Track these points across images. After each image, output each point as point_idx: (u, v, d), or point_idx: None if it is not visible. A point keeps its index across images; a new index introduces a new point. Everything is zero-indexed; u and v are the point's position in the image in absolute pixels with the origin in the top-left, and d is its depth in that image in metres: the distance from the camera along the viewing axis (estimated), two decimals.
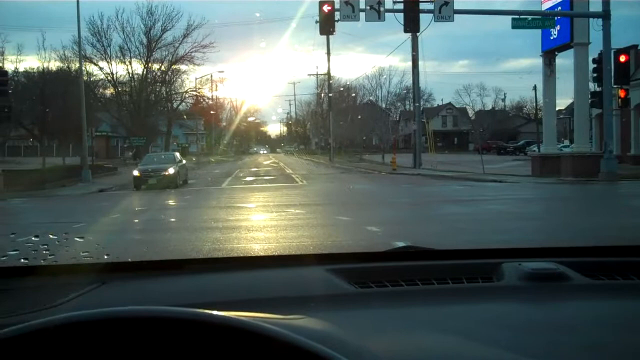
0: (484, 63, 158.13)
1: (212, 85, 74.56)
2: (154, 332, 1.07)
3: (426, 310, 1.88)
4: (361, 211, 17.02)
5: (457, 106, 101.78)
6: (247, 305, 1.65)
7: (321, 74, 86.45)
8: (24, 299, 1.90)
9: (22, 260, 2.44)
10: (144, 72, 64.50)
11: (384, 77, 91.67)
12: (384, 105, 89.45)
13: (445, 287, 2.03)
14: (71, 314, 1.07)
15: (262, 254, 10.03)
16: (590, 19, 28.71)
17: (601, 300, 1.96)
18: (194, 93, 70.66)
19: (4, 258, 2.53)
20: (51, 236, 2.67)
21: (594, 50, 28.64)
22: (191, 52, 64.09)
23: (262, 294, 1.93)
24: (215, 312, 1.09)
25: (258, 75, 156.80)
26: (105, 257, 2.48)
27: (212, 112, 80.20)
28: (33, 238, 2.62)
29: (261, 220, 15.81)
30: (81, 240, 2.76)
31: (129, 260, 2.30)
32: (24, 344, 1.04)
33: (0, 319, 1.70)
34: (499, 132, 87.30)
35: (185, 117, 77.16)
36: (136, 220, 16.93)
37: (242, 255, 9.74)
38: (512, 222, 14.14)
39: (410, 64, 41.52)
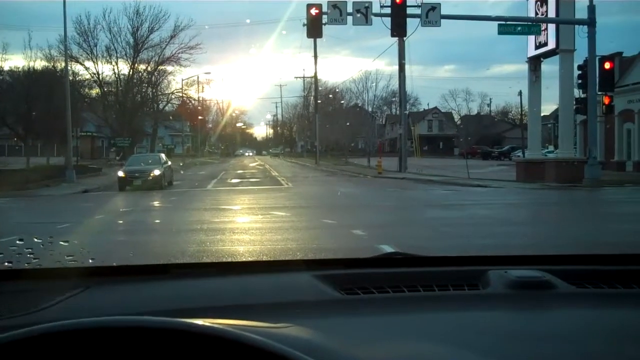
0: (470, 68, 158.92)
1: (198, 86, 74.39)
2: (138, 342, 1.06)
3: (412, 317, 1.88)
4: (346, 214, 17.05)
5: (443, 111, 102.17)
6: (233, 311, 1.64)
7: (308, 77, 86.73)
8: (8, 302, 1.88)
9: (6, 264, 2.41)
10: (130, 73, 64.26)
11: (371, 81, 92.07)
12: (370, 109, 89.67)
13: (432, 294, 2.03)
14: (53, 324, 1.06)
15: (247, 256, 10.01)
16: (576, 26, 28.91)
17: (587, 309, 1.97)
18: (180, 94, 70.49)
19: None
20: (35, 239, 2.64)
21: (580, 57, 28.92)
22: (178, 53, 64.03)
23: (249, 300, 1.92)
24: (198, 321, 1.09)
25: (245, 77, 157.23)
26: (90, 261, 2.46)
27: (198, 114, 79.98)
28: (17, 241, 2.59)
29: (246, 222, 15.78)
30: (66, 244, 2.73)
31: (114, 264, 2.29)
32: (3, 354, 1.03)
33: None
34: (485, 137, 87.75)
35: (171, 118, 76.87)
36: (120, 222, 16.85)
37: (227, 258, 9.72)
38: (497, 227, 14.22)
39: (396, 67, 41.69)
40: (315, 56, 67.03)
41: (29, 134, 47.26)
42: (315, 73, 70.57)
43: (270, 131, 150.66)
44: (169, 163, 33.94)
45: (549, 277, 2.08)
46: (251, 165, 66.24)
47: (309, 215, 17.10)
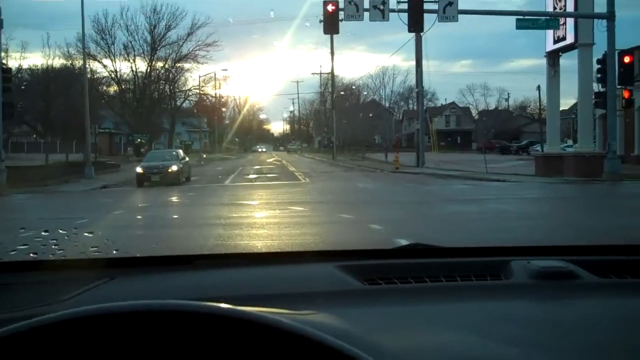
0: (487, 63, 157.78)
1: (215, 83, 74.61)
2: (174, 326, 1.07)
3: (435, 307, 1.88)
4: (364, 209, 17.02)
5: (460, 106, 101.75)
6: (256, 300, 1.65)
7: (325, 73, 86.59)
8: (34, 293, 1.90)
9: (31, 255, 2.44)
10: (148, 70, 64.65)
11: (388, 76, 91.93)
12: (387, 105, 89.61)
13: (454, 285, 2.03)
14: (88, 307, 1.07)
15: (265, 251, 10.04)
16: (595, 20, 28.66)
17: (611, 299, 1.95)
18: (198, 91, 70.68)
19: (14, 252, 2.54)
20: (60, 231, 2.67)
21: (599, 51, 28.65)
22: (195, 51, 64.32)
23: (271, 289, 1.93)
24: (233, 307, 1.09)
25: (261, 73, 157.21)
26: (114, 252, 2.48)
27: (215, 110, 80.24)
28: (43, 233, 2.62)
29: (264, 217, 15.82)
30: (90, 235, 2.76)
31: (138, 255, 2.30)
32: (35, 338, 1.04)
33: (9, 312, 1.70)
34: (503, 131, 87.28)
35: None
36: (139, 217, 16.94)
37: (245, 251, 9.75)
38: (516, 221, 14.13)
39: (413, 63, 41.57)
40: (332, 52, 67.03)
41: (48, 131, 47.64)
42: (332, 69, 70.52)
43: (287, 127, 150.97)
44: (187, 159, 34.07)
45: (572, 268, 2.06)
46: (268, 160, 66.31)
47: (326, 210, 17.09)
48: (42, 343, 1.04)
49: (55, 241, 2.58)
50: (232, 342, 1.06)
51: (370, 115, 74.62)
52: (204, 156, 61.96)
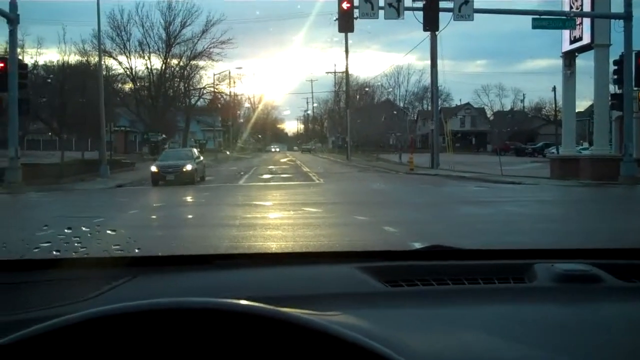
0: (502, 63, 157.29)
1: (230, 81, 74.80)
2: (211, 324, 1.07)
3: (458, 309, 1.87)
4: (378, 211, 16.98)
5: (475, 106, 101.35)
6: (277, 301, 1.64)
7: (339, 72, 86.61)
8: (57, 291, 1.91)
9: (54, 253, 2.45)
10: (163, 68, 64.92)
11: (402, 76, 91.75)
12: (402, 105, 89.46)
13: (477, 287, 2.02)
14: (127, 304, 1.08)
15: (280, 252, 10.04)
16: (612, 20, 28.48)
17: (635, 302, 1.94)
18: (212, 89, 70.91)
19: (36, 250, 2.55)
20: (83, 228, 2.68)
21: (615, 52, 28.45)
22: (210, 48, 64.48)
23: (292, 290, 1.93)
24: (271, 307, 1.10)
25: (276, 72, 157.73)
26: (137, 250, 2.49)
27: (230, 108, 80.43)
28: (65, 230, 2.63)
29: (278, 218, 15.83)
30: (113, 233, 2.77)
31: (159, 254, 2.31)
32: (75, 333, 1.05)
33: (35, 311, 1.71)
34: (518, 133, 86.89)
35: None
36: (154, 217, 17.03)
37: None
38: (533, 224, 14.04)
39: (427, 62, 41.48)
40: (347, 51, 67.10)
41: (64, 128, 47.92)
42: (347, 68, 70.52)
43: (302, 126, 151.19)
44: (201, 158, 34.17)
45: (595, 271, 2.05)
46: (282, 160, 66.39)
47: (341, 212, 17.08)
48: (71, 341, 1.04)
49: (78, 239, 2.59)
50: (268, 342, 1.06)
51: (384, 117, 74.54)
52: (228, 153, 61.84)
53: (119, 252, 2.51)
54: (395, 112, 74.00)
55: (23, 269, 2.10)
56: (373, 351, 1.03)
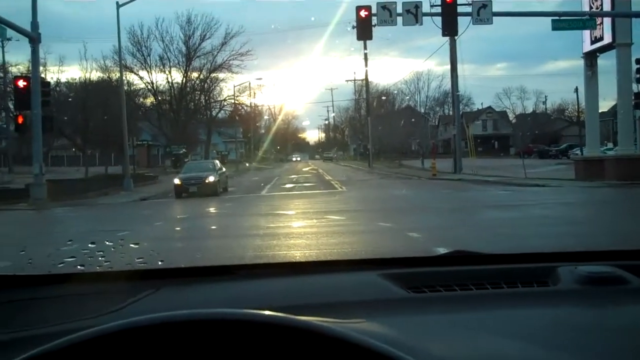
0: (523, 65, 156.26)
1: (250, 92, 75.14)
2: (238, 336, 1.08)
3: (482, 314, 1.85)
4: (402, 217, 16.93)
5: (497, 110, 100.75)
6: (300, 310, 1.65)
7: (358, 80, 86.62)
8: (82, 305, 1.93)
9: (79, 267, 2.48)
10: (183, 81, 65.43)
11: (422, 81, 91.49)
12: (422, 110, 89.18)
13: (500, 292, 2.01)
14: (160, 315, 1.09)
15: (302, 261, 10.05)
16: (633, 19, 28.19)
17: None
18: (233, 101, 71.26)
19: (61, 265, 2.58)
20: (107, 242, 2.70)
21: (638, 51, 28.18)
22: (229, 60, 64.83)
23: (316, 299, 1.93)
24: (295, 317, 1.10)
25: (295, 82, 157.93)
26: (160, 263, 2.51)
27: (251, 119, 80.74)
28: (89, 245, 2.66)
29: (301, 227, 15.83)
30: (136, 246, 2.80)
31: (182, 266, 2.32)
32: (109, 343, 1.06)
33: (60, 325, 1.73)
34: (541, 135, 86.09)
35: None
36: (178, 228, 17.11)
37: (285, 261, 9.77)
38: (558, 227, 13.89)
39: (447, 67, 41.35)
40: (366, 58, 67.13)
41: (87, 144, 48.45)
42: (366, 75, 70.53)
43: (322, 135, 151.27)
44: (224, 169, 34.31)
45: (620, 272, 2.03)
46: (304, 169, 66.43)
47: (364, 219, 17.06)
48: (105, 352, 1.06)
49: (101, 253, 2.62)
50: (292, 351, 1.06)
51: (406, 121, 74.30)
52: (247, 165, 61.88)
53: (143, 264, 2.54)
54: (412, 120, 73.67)
55: (49, 284, 2.12)
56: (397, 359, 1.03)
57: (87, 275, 2.26)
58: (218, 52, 64.82)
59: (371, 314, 1.70)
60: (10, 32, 28.10)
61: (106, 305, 1.85)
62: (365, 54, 66.22)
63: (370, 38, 29.25)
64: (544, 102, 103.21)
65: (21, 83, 25.99)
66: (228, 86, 69.68)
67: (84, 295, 2.02)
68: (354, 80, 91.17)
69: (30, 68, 28.66)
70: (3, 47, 55.24)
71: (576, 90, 61.20)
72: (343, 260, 2.61)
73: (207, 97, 68.83)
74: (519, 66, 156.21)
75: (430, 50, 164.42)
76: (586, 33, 31.34)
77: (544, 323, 1.74)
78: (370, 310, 1.77)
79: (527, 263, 2.27)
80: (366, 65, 68.32)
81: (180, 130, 61.28)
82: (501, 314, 1.86)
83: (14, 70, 51.99)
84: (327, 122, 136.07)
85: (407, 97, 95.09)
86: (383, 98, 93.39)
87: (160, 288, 2.04)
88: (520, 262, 2.29)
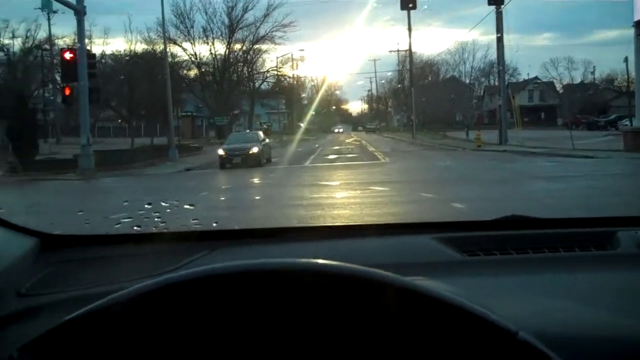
0: (570, 35, 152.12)
1: (292, 63, 74.96)
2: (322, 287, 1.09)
3: (539, 277, 1.83)
4: (445, 188, 16.80)
5: (544, 80, 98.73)
6: None
7: (402, 50, 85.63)
8: (138, 264, 1.96)
9: (135, 228, 2.51)
10: (226, 53, 65.51)
11: (467, 52, 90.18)
12: (467, 81, 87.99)
13: (557, 255, 1.97)
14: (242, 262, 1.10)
15: (354, 224, 10.06)
16: None
17: None
18: (275, 72, 71.26)
19: (118, 225, 2.62)
20: (163, 204, 2.74)
21: None
22: (272, 32, 64.71)
23: (369, 260, 1.91)
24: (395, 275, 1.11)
25: (338, 52, 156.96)
26: (214, 224, 2.53)
27: (293, 91, 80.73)
28: (146, 205, 2.69)
29: (345, 197, 15.82)
30: (191, 208, 2.83)
31: (236, 228, 2.34)
32: (181, 291, 1.07)
33: (118, 284, 1.75)
34: (589, 106, 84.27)
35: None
36: (223, 198, 17.27)
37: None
38: (608, 198, 13.56)
39: (492, 37, 40.66)
40: (410, 28, 66.04)
41: (133, 116, 49.02)
42: (410, 45, 69.49)
43: (365, 106, 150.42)
44: (267, 140, 34.44)
45: None
46: (347, 141, 66.25)
47: (407, 190, 16.97)
48: (177, 300, 1.07)
49: (158, 214, 2.65)
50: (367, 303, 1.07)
51: (451, 92, 73.47)
52: (291, 136, 62.12)
53: (197, 226, 2.56)
54: (457, 91, 72.77)
55: (107, 244, 2.16)
56: (472, 311, 1.03)
57: (143, 236, 2.29)
58: (261, 24, 64.79)
59: (426, 275, 1.69)
60: (56, 5, 28.47)
61: (162, 265, 1.87)
62: (409, 24, 65.37)
63: (415, 7, 29.02)
64: (592, 73, 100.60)
65: (68, 55, 26.33)
66: (271, 57, 69.75)
67: (140, 256, 2.05)
68: (398, 51, 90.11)
69: (76, 40, 28.94)
70: (49, 19, 55.93)
71: (626, 60, 59.53)
72: (397, 224, 2.59)
73: (249, 69, 68.89)
74: (566, 36, 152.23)
75: (474, 21, 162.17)
76: (637, 1, 30.43)
77: (602, 286, 1.72)
78: (425, 271, 1.76)
79: (585, 227, 2.23)
80: (410, 35, 67.27)
81: (224, 102, 61.57)
82: (558, 277, 1.83)
83: (60, 42, 52.68)
84: (370, 93, 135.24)
85: (454, 67, 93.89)
86: (432, 65, 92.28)
87: (216, 249, 2.05)
88: (579, 226, 2.25)
